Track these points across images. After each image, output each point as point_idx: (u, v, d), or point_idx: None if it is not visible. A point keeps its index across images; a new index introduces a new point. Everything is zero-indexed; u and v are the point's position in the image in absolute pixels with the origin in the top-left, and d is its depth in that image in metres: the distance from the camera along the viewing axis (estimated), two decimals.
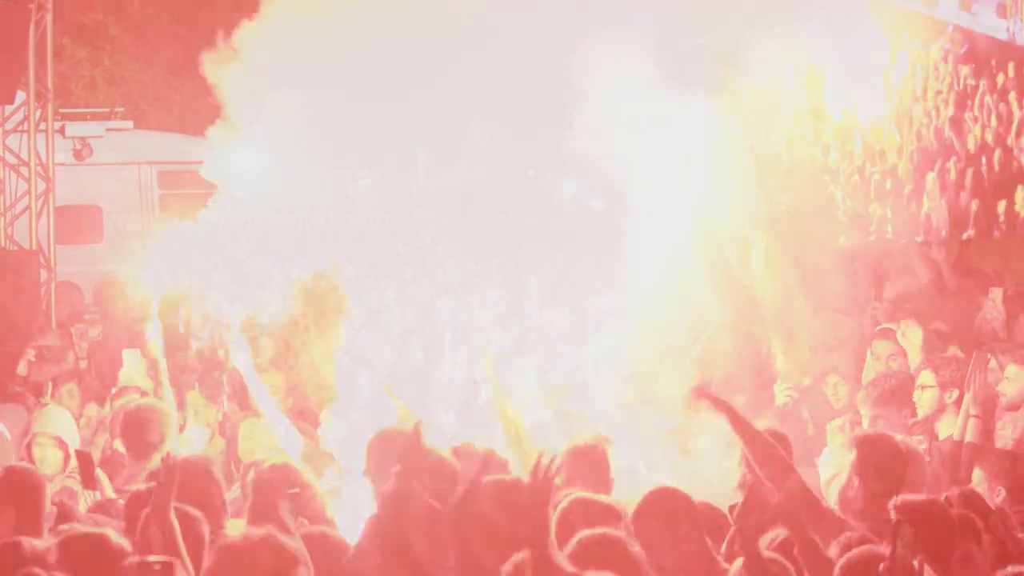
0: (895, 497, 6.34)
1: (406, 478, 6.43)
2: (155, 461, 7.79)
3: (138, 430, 8.26)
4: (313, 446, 9.41)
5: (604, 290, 17.18)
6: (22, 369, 10.30)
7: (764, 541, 6.29)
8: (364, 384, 11.18)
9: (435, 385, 11.07)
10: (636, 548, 5.74)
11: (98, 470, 8.42)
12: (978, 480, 7.47)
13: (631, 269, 12.28)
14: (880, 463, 7.43)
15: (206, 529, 6.17)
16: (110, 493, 8.15)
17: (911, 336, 11.47)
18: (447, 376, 11.85)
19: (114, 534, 5.95)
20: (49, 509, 6.63)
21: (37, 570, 5.44)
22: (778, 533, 6.41)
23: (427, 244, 22.42)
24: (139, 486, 7.08)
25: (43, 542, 5.74)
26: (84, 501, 8.11)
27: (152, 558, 5.39)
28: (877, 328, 13.29)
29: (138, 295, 14.39)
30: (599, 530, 5.78)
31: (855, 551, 5.80)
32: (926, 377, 10.39)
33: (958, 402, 9.91)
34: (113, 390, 10.17)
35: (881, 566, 5.50)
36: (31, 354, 10.44)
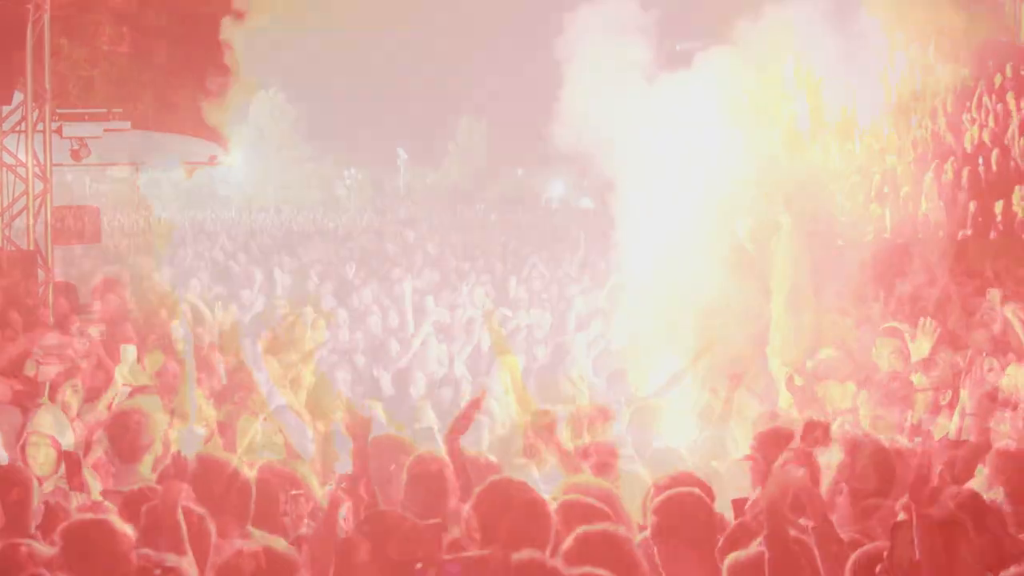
0: (900, 499, 6.41)
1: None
2: (145, 463, 7.84)
3: (126, 433, 8.23)
4: (325, 444, 9.44)
5: (593, 287, 17.39)
6: (30, 369, 10.29)
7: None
8: (344, 384, 11.25)
9: (417, 383, 11.13)
10: (635, 546, 5.76)
11: (87, 472, 8.41)
12: (980, 477, 7.48)
13: (626, 263, 12.35)
14: (867, 465, 7.49)
15: (212, 527, 6.19)
16: (96, 495, 8.14)
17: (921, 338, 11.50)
18: (430, 374, 11.93)
19: (118, 520, 6.01)
20: (37, 507, 6.63)
21: (43, 571, 5.47)
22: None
23: (414, 243, 22.51)
24: (134, 487, 7.11)
25: (45, 546, 5.75)
26: (76, 502, 8.10)
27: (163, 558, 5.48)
28: (883, 327, 13.39)
29: (159, 295, 14.54)
30: (598, 526, 5.83)
31: (864, 548, 5.84)
32: (919, 380, 10.47)
33: (952, 403, 9.99)
34: (121, 388, 10.14)
35: (878, 567, 5.54)
36: (39, 354, 10.41)
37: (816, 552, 5.94)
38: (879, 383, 10.64)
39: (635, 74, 11.64)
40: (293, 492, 7.12)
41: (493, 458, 8.49)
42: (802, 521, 6.28)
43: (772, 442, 7.98)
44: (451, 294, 18.00)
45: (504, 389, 11.22)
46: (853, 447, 8.16)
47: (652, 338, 12.20)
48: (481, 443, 9.27)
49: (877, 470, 7.60)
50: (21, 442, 8.23)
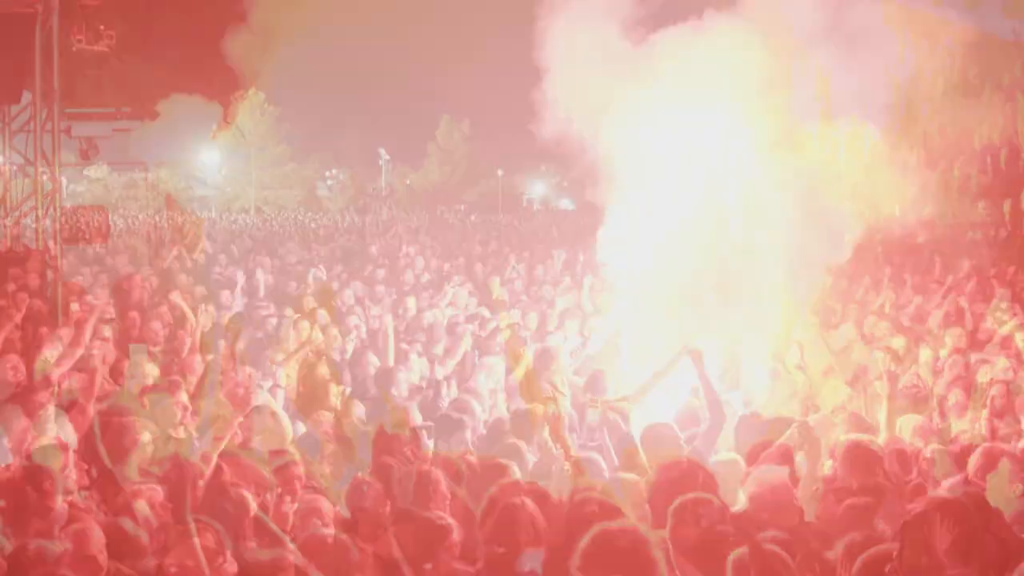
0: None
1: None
2: (131, 464, 7.92)
3: (109, 434, 8.29)
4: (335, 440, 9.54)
5: (573, 287, 17.49)
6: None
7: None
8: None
9: (400, 384, 11.19)
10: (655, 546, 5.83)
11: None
12: (1004, 473, 7.62)
13: (614, 260, 12.45)
14: (847, 464, 7.68)
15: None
16: None
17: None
18: (412, 375, 12.02)
19: (130, 524, 6.11)
20: (60, 507, 6.73)
21: (64, 571, 5.55)
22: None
23: (395, 244, 22.45)
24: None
25: (55, 544, 5.84)
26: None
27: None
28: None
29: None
30: (616, 523, 5.91)
31: (870, 551, 5.94)
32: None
33: (963, 403, 10.18)
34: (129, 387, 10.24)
35: (887, 567, 5.64)
36: (50, 354, 10.48)
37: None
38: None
39: (621, 65, 11.64)
40: (278, 491, 7.19)
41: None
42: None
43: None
44: (432, 295, 18.15)
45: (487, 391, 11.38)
46: (835, 447, 8.36)
47: (637, 336, 12.30)
48: (465, 444, 9.34)
49: (857, 469, 7.79)
50: (27, 443, 8.23)
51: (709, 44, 11.38)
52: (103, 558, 5.90)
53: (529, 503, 6.62)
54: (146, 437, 8.21)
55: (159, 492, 6.85)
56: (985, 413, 9.91)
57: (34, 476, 6.78)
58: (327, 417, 9.96)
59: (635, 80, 11.59)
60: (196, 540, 6.03)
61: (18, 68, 16.75)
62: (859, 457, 7.85)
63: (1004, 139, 19.11)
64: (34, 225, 18.26)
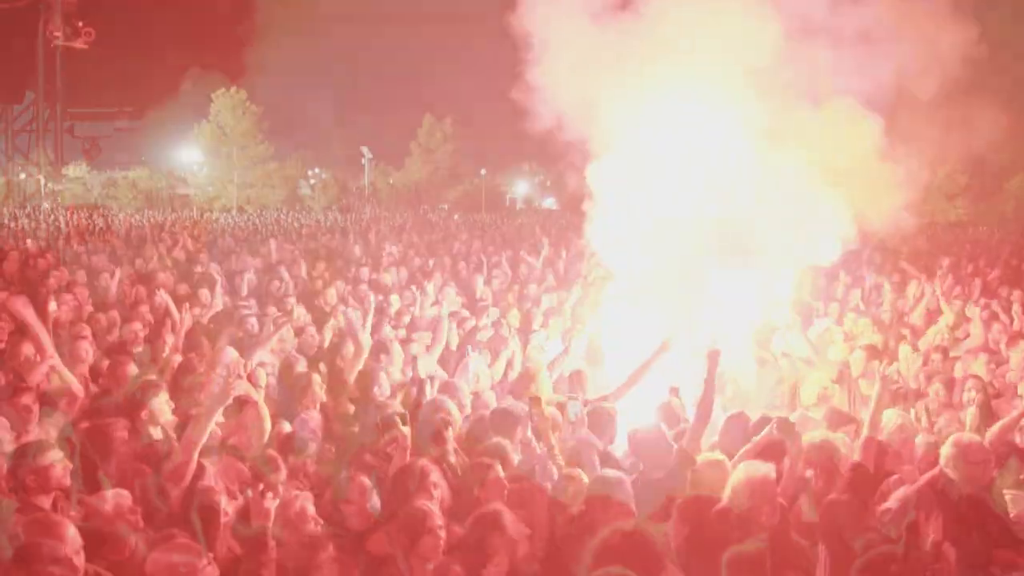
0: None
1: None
2: (111, 467, 7.83)
3: (98, 436, 8.20)
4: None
5: (557, 287, 17.46)
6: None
7: None
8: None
9: (381, 383, 11.12)
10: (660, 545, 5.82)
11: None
12: (1014, 470, 7.61)
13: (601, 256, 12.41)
14: (823, 465, 7.63)
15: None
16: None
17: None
18: (393, 373, 11.95)
19: (124, 528, 6.30)
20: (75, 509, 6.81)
21: (53, 568, 5.59)
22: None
23: (379, 243, 22.32)
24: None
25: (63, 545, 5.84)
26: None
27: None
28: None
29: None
30: (626, 523, 5.94)
31: (873, 552, 5.92)
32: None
33: (943, 400, 10.18)
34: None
35: (892, 567, 5.61)
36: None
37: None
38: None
39: (612, 59, 11.59)
40: (261, 488, 7.12)
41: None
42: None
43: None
44: (416, 294, 18.06)
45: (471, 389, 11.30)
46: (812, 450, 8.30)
47: (619, 333, 12.29)
48: (446, 443, 9.28)
49: (823, 469, 7.87)
50: (37, 446, 8.14)
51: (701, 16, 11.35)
52: (80, 560, 5.85)
53: (506, 511, 6.66)
54: (125, 437, 8.15)
55: (127, 497, 6.86)
56: (973, 410, 9.85)
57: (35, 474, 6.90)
58: (314, 416, 9.88)
59: (622, 63, 11.57)
60: (200, 541, 6.19)
61: (20, 68, 16.75)
62: (823, 458, 7.94)
63: (1004, 140, 19.14)
64: (12, 224, 18.14)
